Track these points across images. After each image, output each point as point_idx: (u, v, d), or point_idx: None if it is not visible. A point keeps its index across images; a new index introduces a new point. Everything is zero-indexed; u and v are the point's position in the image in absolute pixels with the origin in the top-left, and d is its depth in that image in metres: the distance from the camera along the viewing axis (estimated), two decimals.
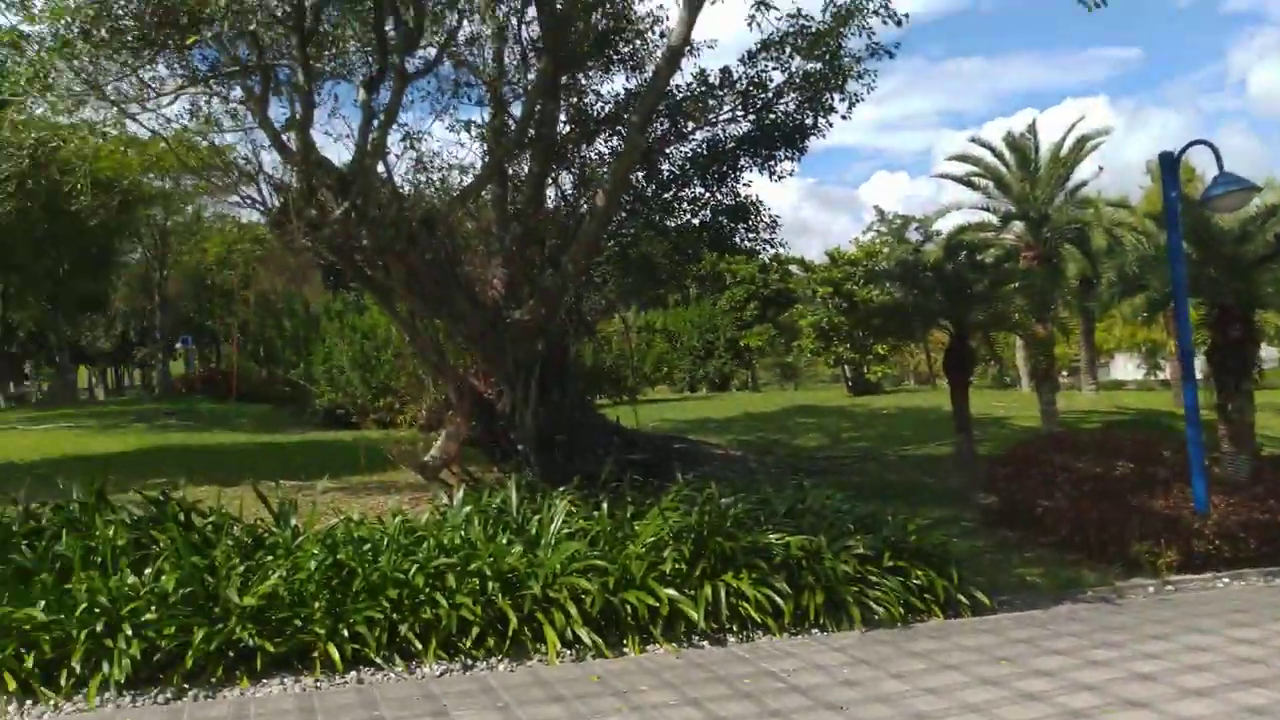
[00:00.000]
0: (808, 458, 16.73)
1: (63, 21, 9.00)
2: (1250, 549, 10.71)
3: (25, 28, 9.93)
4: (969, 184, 23.06)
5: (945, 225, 24.25)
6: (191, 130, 11.25)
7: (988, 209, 22.67)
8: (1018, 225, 21.83)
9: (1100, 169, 23.19)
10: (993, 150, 22.63)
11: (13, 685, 6.23)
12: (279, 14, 9.19)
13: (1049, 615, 8.51)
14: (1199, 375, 19.75)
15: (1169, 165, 12.69)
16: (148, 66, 10.07)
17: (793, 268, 41.37)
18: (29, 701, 6.20)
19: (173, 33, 9.21)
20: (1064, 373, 36.60)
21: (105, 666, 6.34)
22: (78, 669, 6.34)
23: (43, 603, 6.64)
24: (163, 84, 10.61)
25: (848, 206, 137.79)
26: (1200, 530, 10.56)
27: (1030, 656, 7.15)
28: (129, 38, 9.27)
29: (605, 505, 8.94)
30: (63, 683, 6.29)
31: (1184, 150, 12.71)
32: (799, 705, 6.15)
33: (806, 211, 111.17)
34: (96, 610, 6.56)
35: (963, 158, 23.01)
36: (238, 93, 11.23)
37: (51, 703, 6.19)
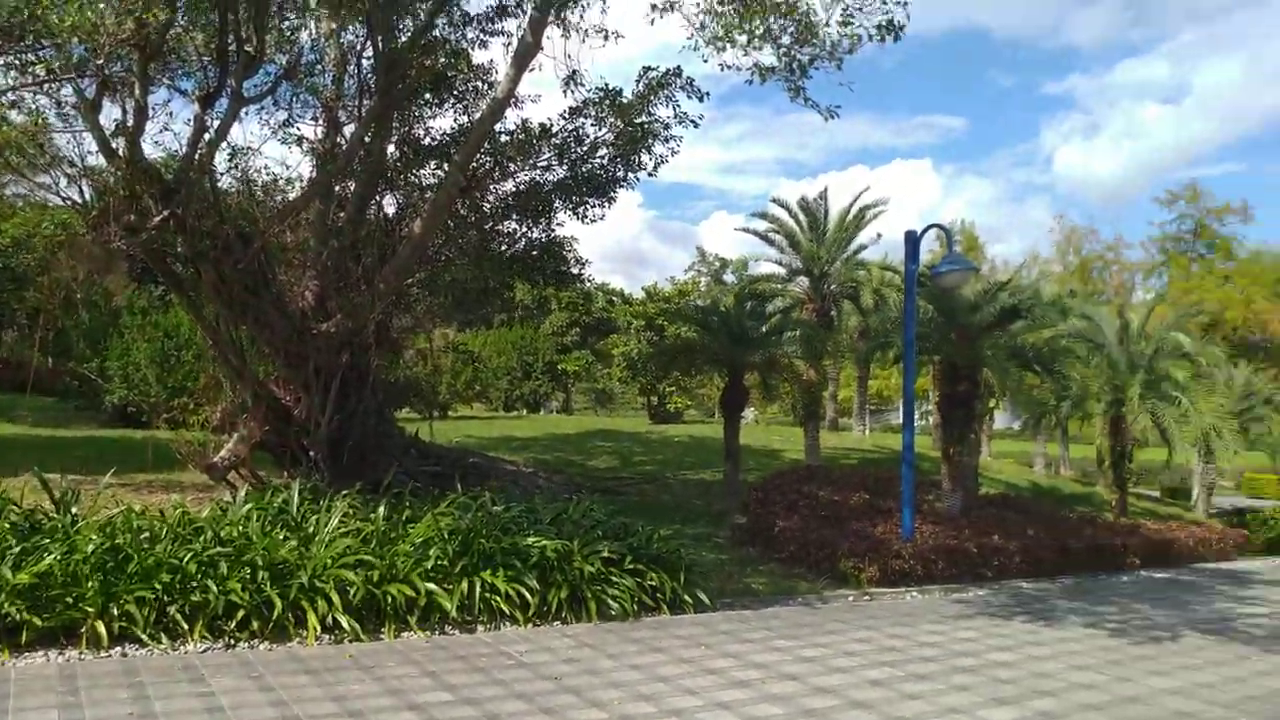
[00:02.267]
0: (596, 477, 18.13)
1: None
2: (939, 569, 12.89)
3: None
4: (767, 239, 25.41)
5: (764, 270, 26.85)
6: (15, 128, 11.23)
7: (780, 263, 25.08)
8: (804, 280, 24.29)
9: (879, 235, 26.29)
10: (789, 211, 25.10)
11: None
12: (124, 36, 9.48)
13: (756, 614, 10.12)
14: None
15: (912, 242, 14.91)
16: None
17: (615, 299, 43.20)
18: None
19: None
20: (844, 415, 40.19)
21: None
22: None
23: None
24: None
25: (688, 241, 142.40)
26: (899, 552, 12.61)
27: (726, 643, 8.66)
28: None
29: (383, 508, 9.85)
30: None
31: (924, 231, 14.99)
32: (522, 677, 7.32)
33: (646, 243, 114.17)
34: None
35: (763, 215, 25.38)
36: (68, 91, 11.36)
37: None
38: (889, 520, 14.44)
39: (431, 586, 8.69)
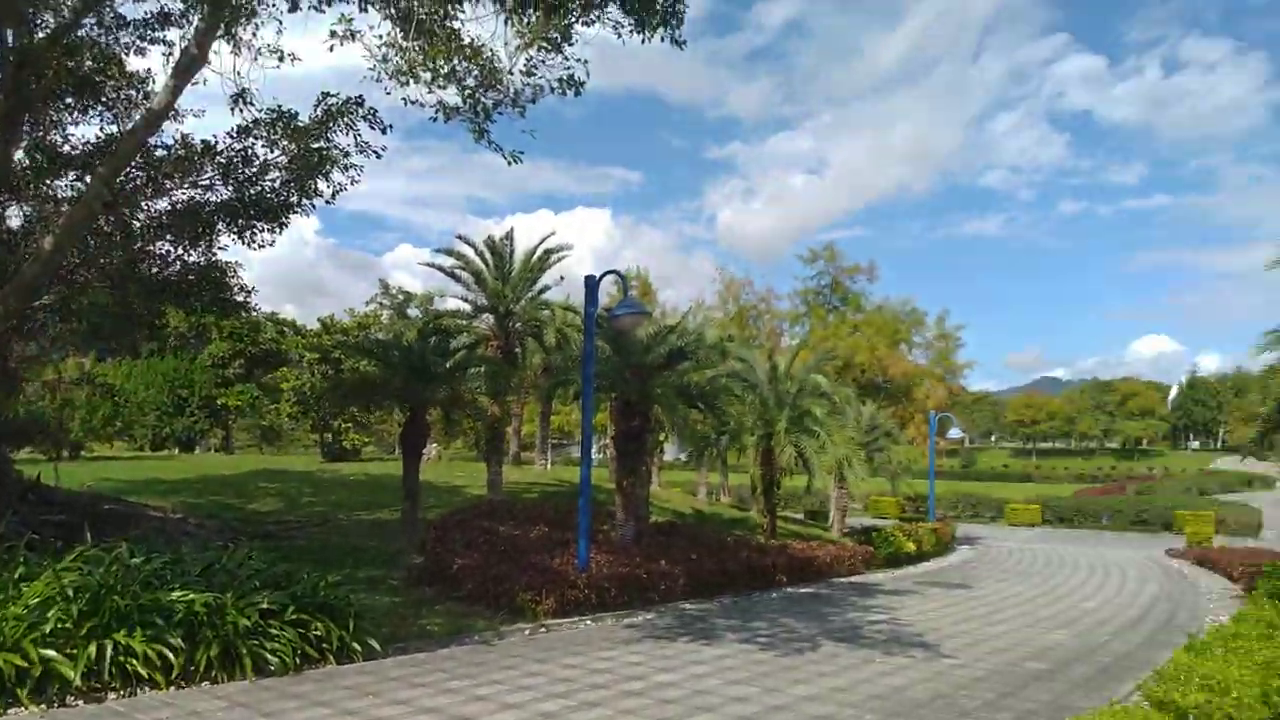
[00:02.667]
0: (257, 521, 16.79)
1: None
2: (611, 597, 13.44)
3: None
4: (453, 275, 25.27)
5: (450, 305, 26.48)
6: None
7: (466, 300, 25.05)
8: (489, 317, 24.46)
9: (562, 278, 27.13)
10: (475, 249, 25.21)
11: None
12: None
13: (430, 657, 9.90)
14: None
15: (591, 286, 15.54)
16: None
17: (286, 330, 40.56)
18: None
19: None
20: (527, 449, 40.86)
21: None
22: None
23: None
24: None
25: (370, 273, 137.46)
26: (575, 582, 12.99)
27: (397, 689, 8.37)
28: None
29: None
30: None
31: (603, 276, 15.70)
32: None
33: (325, 272, 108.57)
34: None
35: (449, 251, 25.24)
36: None
37: None
38: (566, 551, 14.83)
39: (50, 653, 7.55)
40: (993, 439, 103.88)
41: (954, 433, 33.35)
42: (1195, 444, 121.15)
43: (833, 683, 9.16)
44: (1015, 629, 13.17)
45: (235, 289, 17.36)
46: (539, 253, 26.11)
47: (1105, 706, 6.88)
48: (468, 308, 25.03)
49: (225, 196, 15.71)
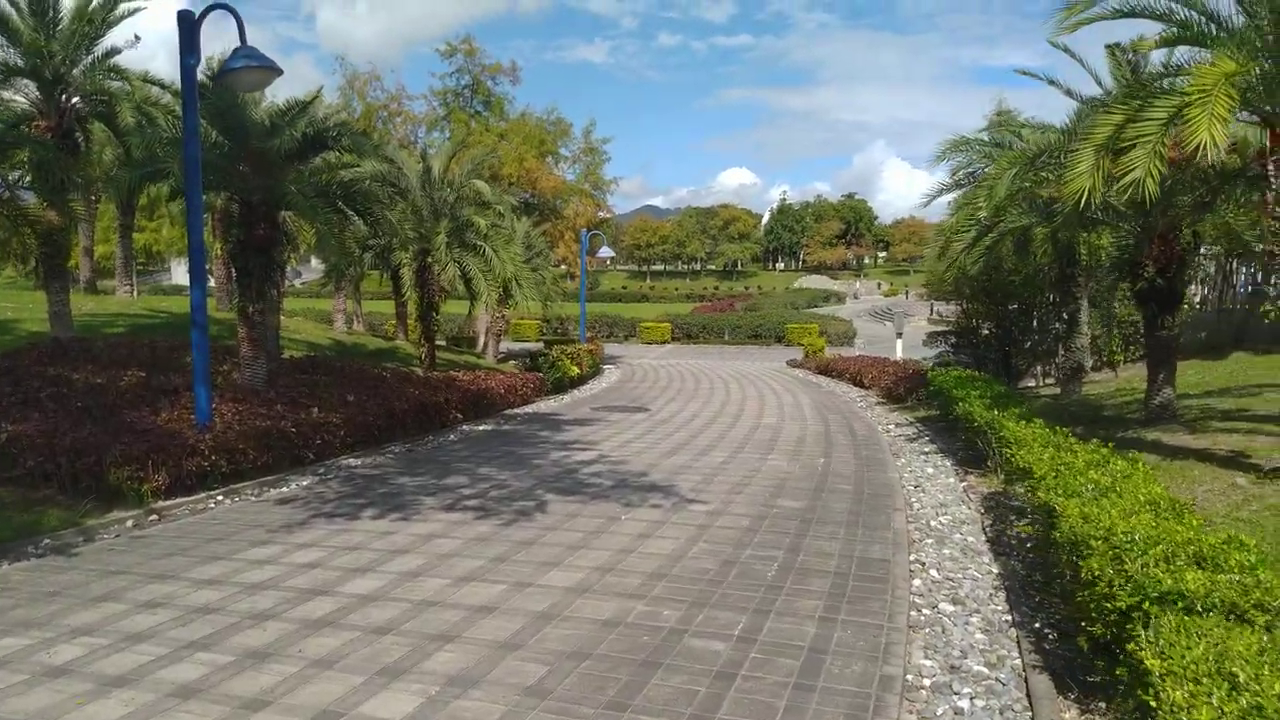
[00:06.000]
0: None
1: None
2: (250, 460, 10.00)
3: None
4: None
5: None
6: None
7: None
8: (32, 86, 17.69)
9: (137, 37, 20.46)
10: None
11: None
12: None
13: None
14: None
15: (187, 28, 10.95)
16: None
17: None
18: None
19: None
20: (105, 276, 33.27)
21: None
22: None
23: None
24: None
25: None
26: (197, 446, 9.35)
27: None
28: None
29: None
30: None
31: (207, 11, 11.13)
32: None
33: None
34: None
35: None
36: None
37: None
38: (177, 404, 10.95)
39: None
40: (608, 261, 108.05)
41: (605, 251, 32.34)
42: (781, 265, 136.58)
43: (592, 559, 6.94)
44: (730, 458, 12.02)
45: None
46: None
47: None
48: None
49: None
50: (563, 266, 41.25)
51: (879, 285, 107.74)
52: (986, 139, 15.63)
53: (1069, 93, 12.37)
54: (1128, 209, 11.25)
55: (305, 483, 10.11)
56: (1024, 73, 13.41)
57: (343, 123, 14.70)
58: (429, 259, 19.43)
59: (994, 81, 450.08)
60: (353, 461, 11.39)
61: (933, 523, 8.26)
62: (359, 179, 16.61)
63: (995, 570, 6.72)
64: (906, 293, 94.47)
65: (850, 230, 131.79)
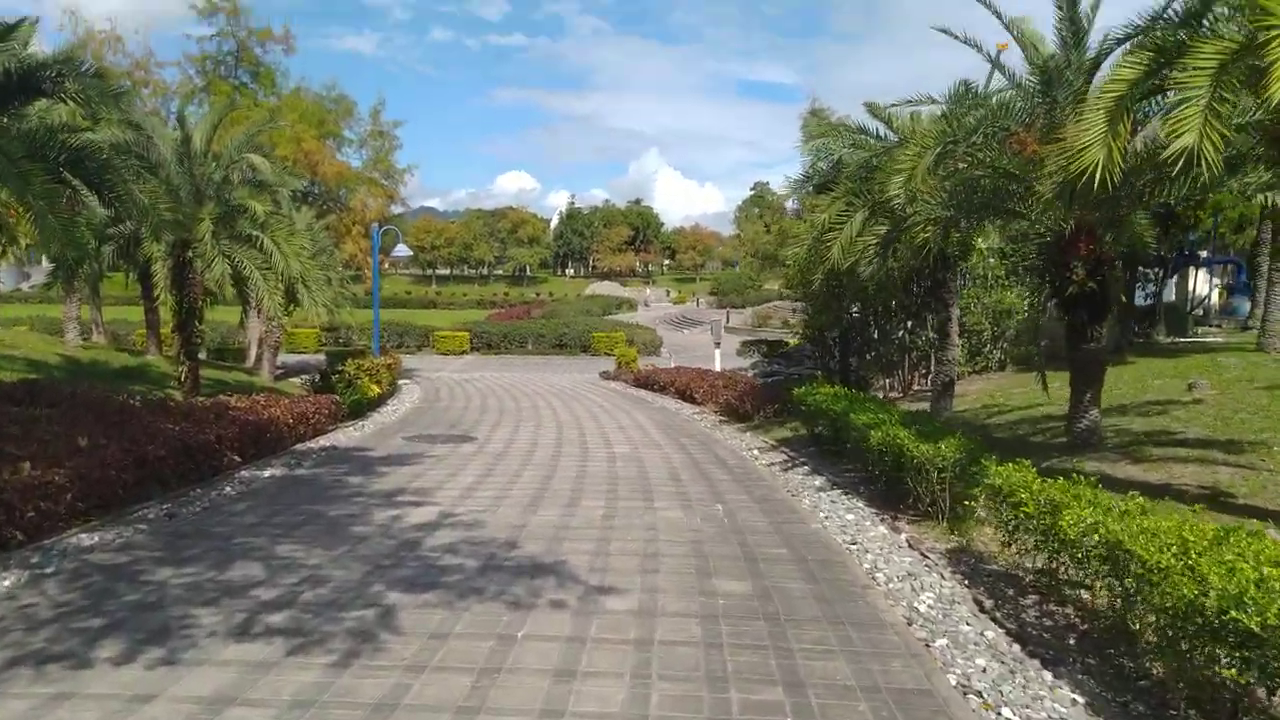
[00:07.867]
0: None
1: None
2: None
3: None
4: None
5: None
6: None
7: None
8: None
9: None
10: None
11: None
12: None
13: None
14: None
15: None
16: None
17: None
18: None
19: None
20: None
21: None
22: None
23: None
24: None
25: None
26: None
27: None
28: None
29: None
30: None
31: None
32: None
33: None
34: None
35: None
36: None
37: None
38: None
39: None
40: (401, 263, 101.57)
41: (401, 250, 28.73)
42: (571, 270, 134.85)
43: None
44: (610, 509, 9.56)
45: None
46: None
47: None
48: None
49: None
50: (349, 267, 36.86)
51: (667, 292, 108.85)
52: (853, 125, 14.28)
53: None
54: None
55: (4, 585, 6.62)
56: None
57: (67, 59, 10.83)
58: (190, 252, 15.55)
59: (756, 96, 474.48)
60: (86, 540, 7.87)
61: (920, 607, 6.27)
62: (95, 144, 12.66)
63: (1073, 697, 4.75)
64: (697, 300, 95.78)
65: (639, 237, 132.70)
